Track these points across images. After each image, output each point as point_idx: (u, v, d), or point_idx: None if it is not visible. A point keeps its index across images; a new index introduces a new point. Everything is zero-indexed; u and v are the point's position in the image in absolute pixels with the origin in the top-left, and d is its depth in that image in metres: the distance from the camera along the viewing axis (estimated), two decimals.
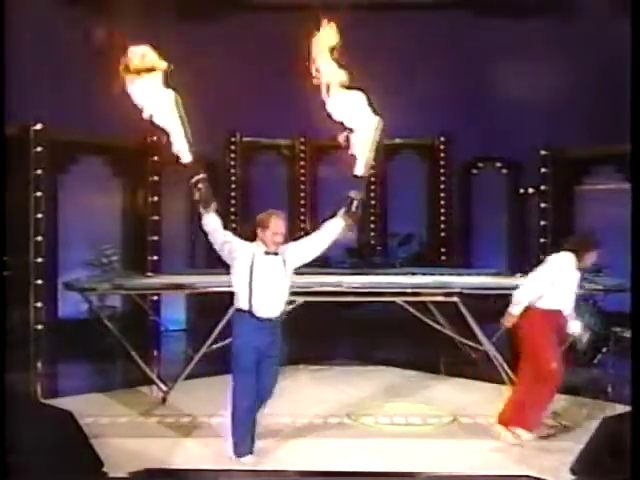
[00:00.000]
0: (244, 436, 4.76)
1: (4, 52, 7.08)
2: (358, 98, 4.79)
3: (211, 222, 4.66)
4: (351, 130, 4.79)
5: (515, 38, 11.05)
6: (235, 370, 4.73)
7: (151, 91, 4.71)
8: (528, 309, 5.24)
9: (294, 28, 10.42)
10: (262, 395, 4.82)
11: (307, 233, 9.61)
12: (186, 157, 4.77)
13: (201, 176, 4.71)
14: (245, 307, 4.68)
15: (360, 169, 4.83)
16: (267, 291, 4.67)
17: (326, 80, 4.68)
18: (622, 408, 5.82)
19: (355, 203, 4.77)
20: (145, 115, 4.74)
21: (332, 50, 4.67)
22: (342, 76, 4.72)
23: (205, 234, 4.77)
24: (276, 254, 4.72)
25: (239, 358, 4.70)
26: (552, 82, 10.42)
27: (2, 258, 7.86)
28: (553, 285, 5.24)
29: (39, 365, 8.21)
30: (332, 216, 4.88)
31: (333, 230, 4.82)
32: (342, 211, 4.79)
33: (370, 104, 4.79)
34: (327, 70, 4.68)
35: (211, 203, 4.68)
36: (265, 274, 4.67)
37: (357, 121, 4.80)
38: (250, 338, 4.66)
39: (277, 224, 4.75)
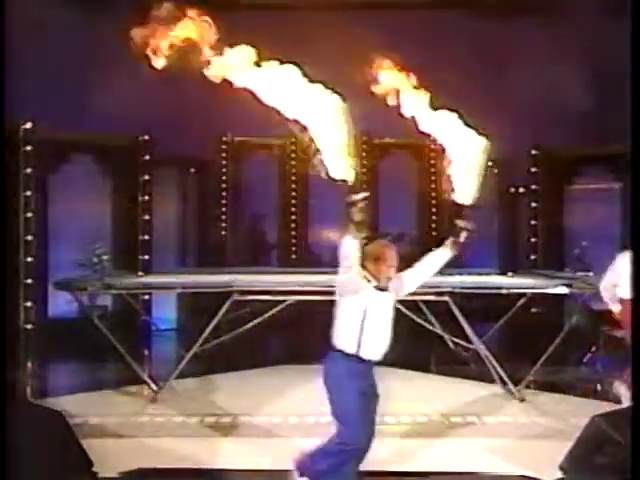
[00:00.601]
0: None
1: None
2: (453, 118, 4.36)
3: (355, 250, 4.06)
4: None
5: (505, 37, 11.08)
6: (344, 416, 4.17)
7: (313, 96, 4.10)
8: None
9: (285, 27, 10.49)
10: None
11: (299, 235, 9.62)
12: (344, 175, 4.05)
13: (365, 194, 4.03)
14: (352, 350, 4.18)
15: (466, 198, 4.42)
16: (378, 331, 4.23)
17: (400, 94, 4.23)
18: (611, 406, 5.85)
19: (464, 234, 4.40)
20: (298, 118, 4.05)
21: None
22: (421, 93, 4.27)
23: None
24: (384, 289, 4.24)
25: (348, 401, 4.15)
26: (543, 82, 10.46)
27: (3, 258, 7.83)
28: None
29: (29, 365, 8.18)
30: (438, 244, 4.49)
31: (439, 261, 4.45)
32: (450, 241, 4.42)
33: (467, 124, 4.36)
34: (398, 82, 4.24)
35: (365, 228, 4.09)
36: (377, 312, 4.22)
37: (458, 144, 4.36)
38: (356, 383, 4.20)
39: (392, 256, 4.26)
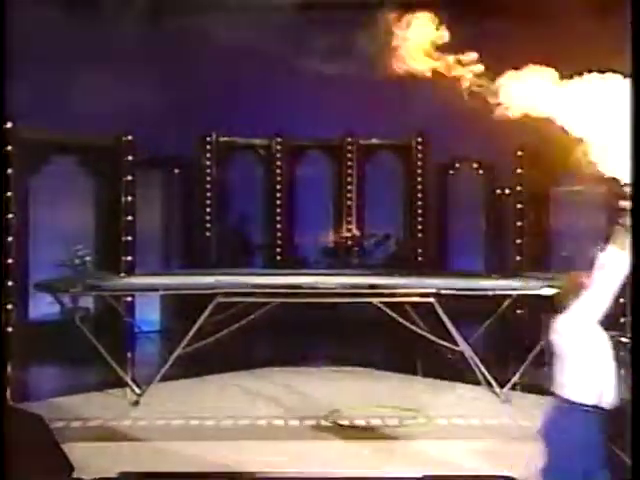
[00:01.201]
0: None
1: None
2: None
3: (622, 263, 3.41)
4: None
5: (493, 37, 11.09)
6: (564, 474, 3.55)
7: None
8: None
9: (272, 27, 10.44)
10: None
11: (284, 236, 9.51)
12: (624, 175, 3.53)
13: None
14: (591, 400, 3.45)
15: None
16: (611, 371, 3.54)
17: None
18: None
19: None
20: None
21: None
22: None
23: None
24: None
25: (573, 460, 3.49)
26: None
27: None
28: None
29: (9, 368, 8.06)
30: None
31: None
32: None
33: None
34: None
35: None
36: (605, 349, 3.53)
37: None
38: (590, 435, 3.51)
39: None
